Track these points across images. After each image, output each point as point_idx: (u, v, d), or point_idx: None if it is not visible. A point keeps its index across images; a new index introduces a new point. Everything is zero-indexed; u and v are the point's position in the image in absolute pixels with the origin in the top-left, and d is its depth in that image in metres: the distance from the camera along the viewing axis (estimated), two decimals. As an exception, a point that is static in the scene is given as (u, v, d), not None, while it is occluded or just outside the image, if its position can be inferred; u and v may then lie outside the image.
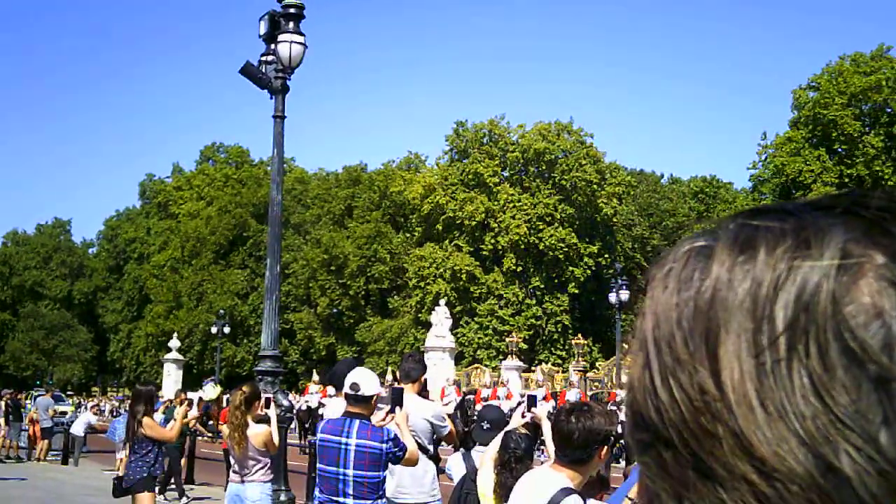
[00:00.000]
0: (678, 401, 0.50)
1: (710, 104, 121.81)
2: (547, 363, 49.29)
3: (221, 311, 56.33)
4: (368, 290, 63.97)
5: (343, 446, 6.28)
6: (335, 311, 64.12)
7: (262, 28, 14.79)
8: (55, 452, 24.64)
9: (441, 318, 41.87)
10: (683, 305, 0.51)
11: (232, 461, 9.36)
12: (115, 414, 42.66)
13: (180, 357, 54.24)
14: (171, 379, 51.43)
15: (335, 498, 6.33)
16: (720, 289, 0.50)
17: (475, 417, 9.48)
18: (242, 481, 9.13)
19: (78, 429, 24.09)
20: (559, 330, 58.59)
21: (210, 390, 21.47)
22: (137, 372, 74.07)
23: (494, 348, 55.34)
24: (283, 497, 13.03)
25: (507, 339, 46.09)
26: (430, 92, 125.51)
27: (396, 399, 6.89)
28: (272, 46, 14.76)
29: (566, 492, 4.28)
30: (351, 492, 6.27)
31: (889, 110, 50.63)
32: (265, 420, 9.39)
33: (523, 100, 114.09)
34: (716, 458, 0.48)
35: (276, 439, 9.34)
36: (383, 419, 6.59)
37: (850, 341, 0.45)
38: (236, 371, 63.22)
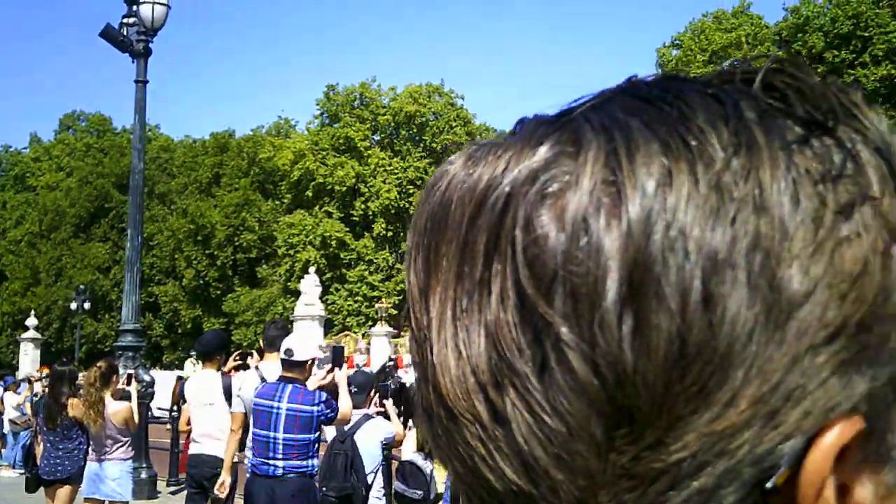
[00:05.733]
0: (413, 332, 0.47)
1: (577, 64, 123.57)
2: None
3: (82, 287, 54.45)
4: (236, 260, 62.65)
5: (275, 410, 6.61)
6: (201, 282, 62.79)
7: (124, -12, 14.42)
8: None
9: (310, 286, 41.22)
10: (420, 239, 0.47)
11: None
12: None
13: (38, 335, 51.94)
14: (29, 358, 49.31)
15: (265, 460, 6.67)
16: (443, 212, 0.45)
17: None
18: (99, 460, 8.91)
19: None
20: (430, 295, 58.72)
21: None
22: (-7, 353, 71.28)
23: (364, 315, 55.04)
24: (143, 475, 12.88)
25: (377, 305, 45.86)
26: (300, 55, 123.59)
27: (338, 358, 7.38)
28: (134, 8, 14.19)
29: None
30: (280, 455, 6.62)
31: (748, 67, 52.35)
32: (126, 397, 9.22)
33: (394, 63, 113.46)
34: (427, 394, 0.46)
35: (135, 416, 9.20)
36: (324, 377, 7.07)
37: (519, 276, 0.41)
38: (98, 348, 60.98)
